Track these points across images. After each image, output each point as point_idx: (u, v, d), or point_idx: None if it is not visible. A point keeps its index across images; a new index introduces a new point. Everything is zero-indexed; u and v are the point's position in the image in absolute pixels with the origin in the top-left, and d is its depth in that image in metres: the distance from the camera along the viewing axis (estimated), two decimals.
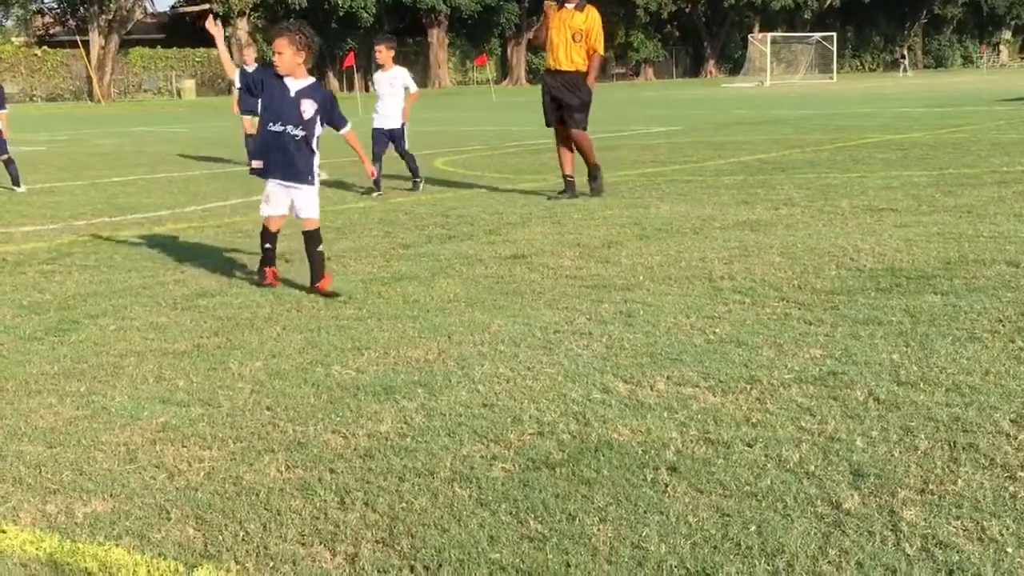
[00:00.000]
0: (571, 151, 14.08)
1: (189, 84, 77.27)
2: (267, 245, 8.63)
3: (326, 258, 8.60)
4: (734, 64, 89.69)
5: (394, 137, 15.42)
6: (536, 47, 15.75)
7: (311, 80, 8.41)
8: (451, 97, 56.98)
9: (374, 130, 15.38)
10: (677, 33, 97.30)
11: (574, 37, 13.51)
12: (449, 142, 24.45)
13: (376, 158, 14.82)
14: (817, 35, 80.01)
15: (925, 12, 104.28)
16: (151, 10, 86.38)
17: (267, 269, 8.65)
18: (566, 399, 5.49)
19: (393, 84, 15.39)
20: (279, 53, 8.15)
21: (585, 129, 13.94)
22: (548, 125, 14.45)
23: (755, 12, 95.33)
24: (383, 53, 15.39)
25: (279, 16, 75.05)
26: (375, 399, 5.61)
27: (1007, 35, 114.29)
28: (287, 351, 6.64)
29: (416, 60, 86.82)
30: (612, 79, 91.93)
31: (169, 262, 9.86)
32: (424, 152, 21.71)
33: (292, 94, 8.22)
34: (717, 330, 6.74)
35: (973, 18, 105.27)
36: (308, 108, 8.23)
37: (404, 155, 15.54)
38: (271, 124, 8.26)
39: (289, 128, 8.19)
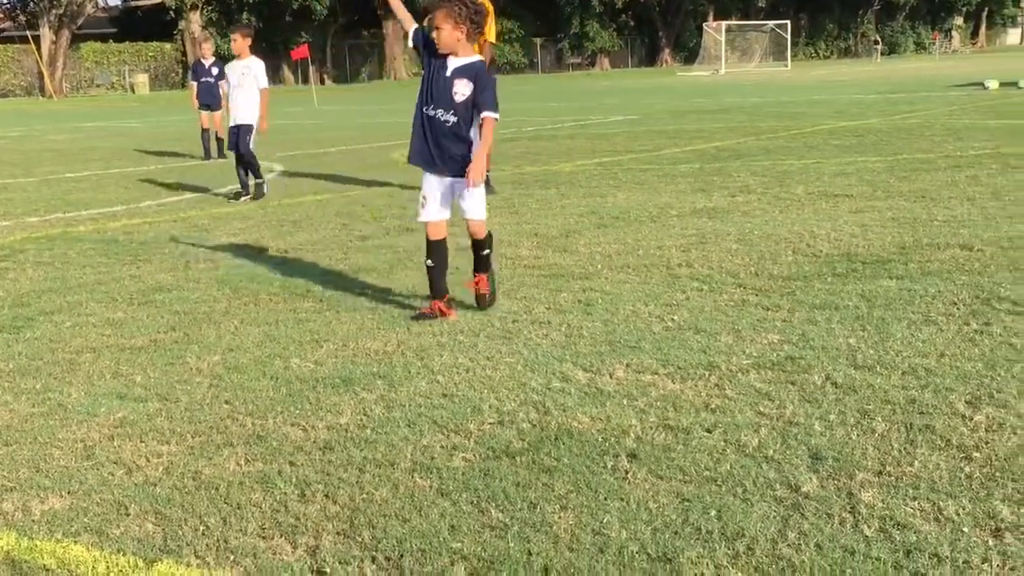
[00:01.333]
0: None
1: (142, 79, 76.62)
2: (430, 262, 7.24)
3: (489, 263, 7.41)
4: (689, 53, 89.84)
5: (239, 134, 14.07)
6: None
7: (473, 58, 7.22)
8: (407, 89, 56.67)
9: (230, 128, 14.38)
10: (632, 23, 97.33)
11: None
12: (406, 134, 24.38)
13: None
14: (771, 23, 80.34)
15: None
16: (102, 4, 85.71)
17: (433, 302, 7.18)
18: (526, 388, 5.50)
19: (245, 75, 14.08)
20: (437, 28, 7.09)
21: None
22: None
23: (709, 1, 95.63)
24: (238, 42, 14.11)
25: (232, 9, 74.63)
26: (334, 391, 5.60)
27: (959, 21, 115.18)
28: (245, 345, 6.61)
29: (372, 53, 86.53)
30: (568, 69, 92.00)
31: (124, 258, 9.79)
32: (381, 144, 21.70)
33: (448, 73, 7.13)
34: (675, 317, 6.76)
35: (925, 4, 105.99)
36: (462, 90, 7.08)
37: (243, 154, 14.01)
38: (424, 106, 7.21)
39: (440, 113, 7.11)
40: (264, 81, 14.16)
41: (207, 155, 20.07)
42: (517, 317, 6.97)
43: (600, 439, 4.75)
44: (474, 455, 4.64)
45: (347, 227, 11.16)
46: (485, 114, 7.03)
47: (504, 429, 4.94)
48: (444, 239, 7.25)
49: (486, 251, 7.35)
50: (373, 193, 14.05)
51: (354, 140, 23.64)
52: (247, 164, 14.02)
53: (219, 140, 19.65)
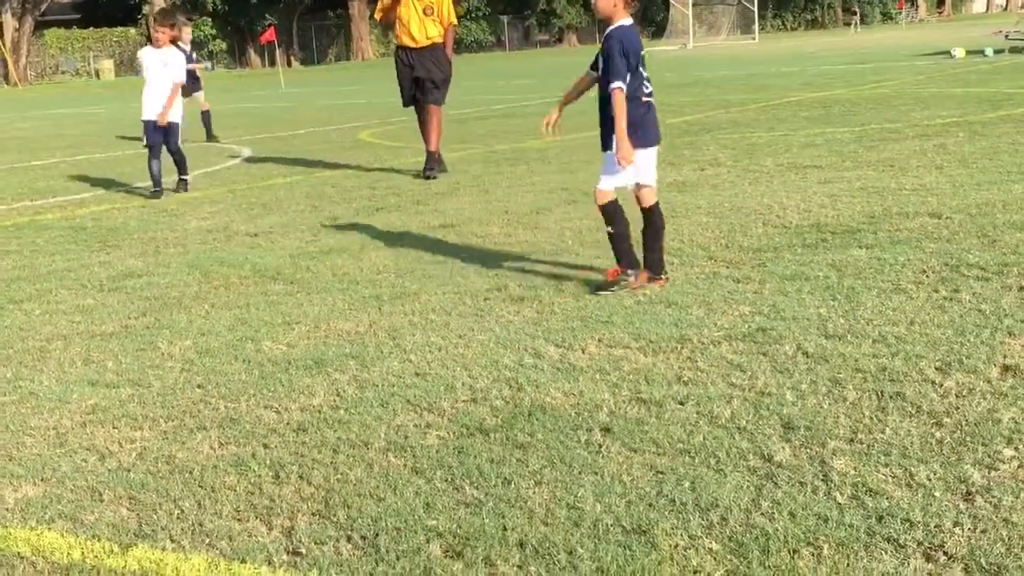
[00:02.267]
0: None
1: (108, 64, 76.02)
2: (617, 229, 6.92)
3: (620, 243, 6.96)
4: (657, 27, 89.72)
5: (168, 132, 12.92)
6: (385, 26, 14.08)
7: (620, 22, 6.76)
8: (375, 69, 56.52)
9: (143, 122, 13.01)
10: None
11: (425, 11, 13.12)
12: (374, 114, 24.31)
13: (153, 154, 12.92)
14: None
15: None
16: None
17: (641, 271, 6.87)
18: (498, 365, 5.50)
19: (167, 66, 12.82)
20: None
21: (441, 105, 13.60)
22: (406, 105, 13.83)
23: None
24: (164, 34, 12.84)
25: None
26: (307, 373, 5.60)
27: None
28: (217, 328, 6.59)
29: (338, 34, 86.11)
30: (536, 46, 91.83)
31: (93, 244, 9.74)
32: (349, 125, 21.64)
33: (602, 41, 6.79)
34: (647, 291, 6.77)
35: None
36: (600, 59, 6.80)
37: (174, 152, 13.05)
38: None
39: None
40: (181, 75, 13.06)
41: (209, 136, 20.19)
42: (489, 295, 6.97)
43: (573, 414, 4.76)
44: (448, 433, 4.64)
45: (316, 208, 11.13)
46: (611, 87, 6.65)
47: (477, 406, 4.94)
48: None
49: (608, 229, 6.97)
50: (341, 174, 14.00)
51: (322, 122, 23.56)
52: (178, 161, 13.13)
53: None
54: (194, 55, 20.78)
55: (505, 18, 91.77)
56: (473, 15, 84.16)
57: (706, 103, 21.73)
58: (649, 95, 6.87)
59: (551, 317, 6.36)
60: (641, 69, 6.79)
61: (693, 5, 74.93)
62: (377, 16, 13.75)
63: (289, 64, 76.57)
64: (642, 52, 6.81)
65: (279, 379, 5.52)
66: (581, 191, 10.98)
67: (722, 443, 4.31)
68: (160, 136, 12.88)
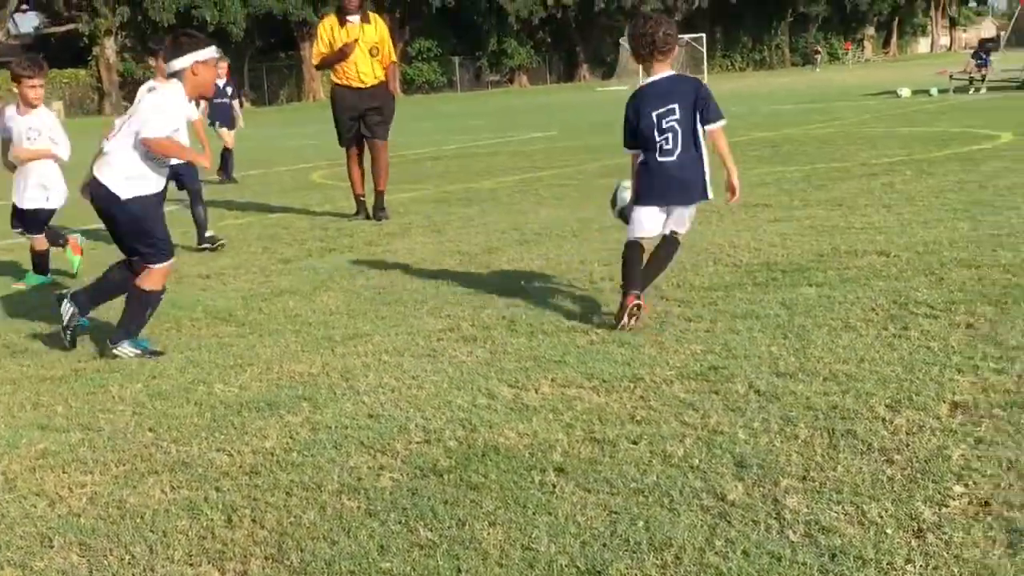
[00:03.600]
0: (362, 170, 13.46)
1: (57, 106, 75.52)
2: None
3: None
4: (607, 68, 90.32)
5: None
6: (323, 68, 13.61)
7: (644, 80, 7.13)
8: (327, 110, 56.50)
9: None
10: (549, 39, 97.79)
11: (371, 52, 12.96)
12: (325, 155, 24.28)
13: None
14: (687, 36, 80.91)
15: (791, 11, 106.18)
16: (14, 32, 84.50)
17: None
18: (452, 406, 5.50)
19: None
20: None
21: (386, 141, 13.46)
22: (344, 145, 13.48)
23: (625, 16, 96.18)
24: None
25: (147, 34, 73.88)
26: (259, 415, 5.57)
27: (870, 31, 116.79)
28: (168, 371, 6.55)
29: (290, 75, 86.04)
30: (487, 87, 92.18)
31: (44, 286, 9.66)
32: (301, 166, 21.62)
33: None
34: (599, 331, 6.80)
35: (837, 15, 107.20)
36: None
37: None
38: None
39: None
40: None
41: (228, 175, 19.72)
42: (442, 335, 6.97)
43: (527, 454, 4.76)
44: (401, 474, 4.63)
45: (268, 250, 11.10)
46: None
47: (431, 447, 4.94)
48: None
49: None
50: (294, 215, 13.98)
51: (274, 162, 23.53)
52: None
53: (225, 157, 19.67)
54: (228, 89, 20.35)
55: (456, 59, 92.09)
56: (424, 56, 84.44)
57: None
58: (665, 153, 6.96)
59: (504, 357, 6.37)
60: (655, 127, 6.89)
61: None
62: (315, 61, 13.49)
63: (241, 105, 76.44)
64: (665, 107, 6.87)
65: (231, 422, 5.49)
66: (532, 231, 11.02)
67: (675, 482, 4.33)
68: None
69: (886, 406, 5.07)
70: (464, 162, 20.40)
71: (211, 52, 6.93)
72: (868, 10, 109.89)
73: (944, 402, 5.07)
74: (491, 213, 12.79)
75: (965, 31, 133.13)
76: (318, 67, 13.61)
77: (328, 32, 13.04)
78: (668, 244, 7.19)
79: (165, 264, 7.12)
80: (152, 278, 7.07)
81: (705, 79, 72.53)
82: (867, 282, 7.60)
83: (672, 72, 6.99)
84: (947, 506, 3.97)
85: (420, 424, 5.26)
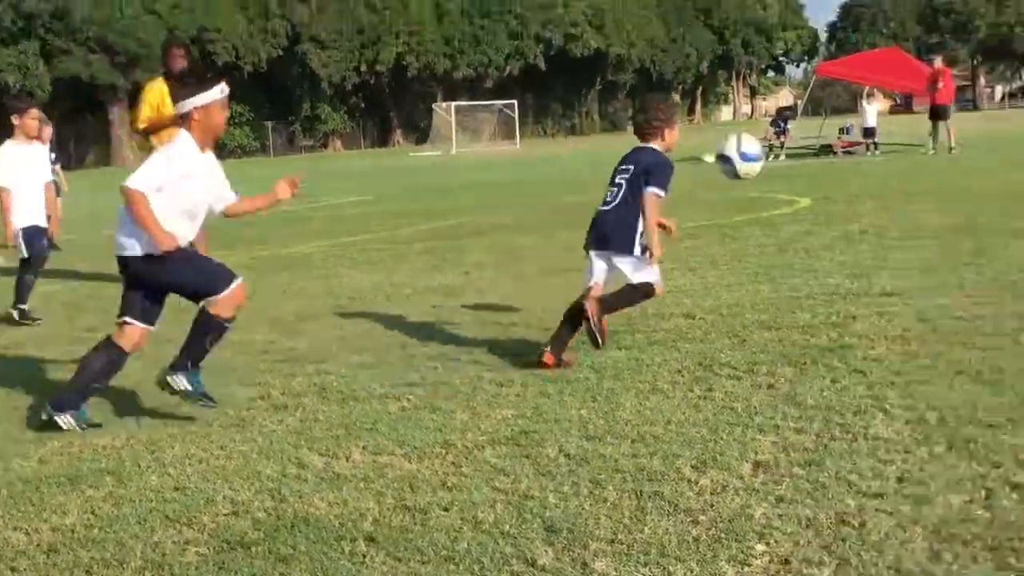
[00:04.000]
0: None
1: None
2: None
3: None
4: (421, 133, 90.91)
5: None
6: (149, 132, 13.32)
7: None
8: None
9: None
10: (363, 104, 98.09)
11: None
12: None
13: None
14: (499, 103, 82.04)
15: (599, 79, 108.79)
16: None
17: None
18: (260, 476, 5.41)
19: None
20: None
21: None
22: None
23: (438, 82, 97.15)
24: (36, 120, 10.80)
25: None
26: (60, 490, 5.39)
27: (676, 97, 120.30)
28: None
29: (98, 139, 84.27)
30: (300, 151, 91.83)
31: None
32: (109, 231, 21.08)
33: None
34: (411, 397, 6.78)
35: (644, 83, 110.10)
36: None
37: None
38: None
39: None
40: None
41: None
42: (251, 404, 6.87)
43: (337, 524, 4.71)
44: (208, 548, 4.53)
45: (73, 319, 10.80)
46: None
47: (239, 519, 4.84)
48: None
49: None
50: (101, 283, 13.63)
51: (81, 228, 22.93)
52: None
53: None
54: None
55: (269, 123, 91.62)
56: (236, 121, 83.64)
57: (471, 207, 22.04)
58: (605, 203, 7.81)
59: (315, 425, 6.30)
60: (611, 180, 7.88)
61: (456, 112, 76.27)
62: (141, 126, 13.17)
63: (64, 168, 74.40)
64: (623, 166, 7.82)
65: (29, 498, 5.30)
66: (347, 296, 10.97)
67: (486, 548, 4.33)
68: None
69: (692, 467, 5.17)
70: (277, 227, 20.20)
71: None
72: (673, 79, 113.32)
73: (747, 461, 5.20)
74: (304, 279, 12.69)
75: (765, 99, 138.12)
76: (144, 132, 13.30)
77: (157, 96, 12.82)
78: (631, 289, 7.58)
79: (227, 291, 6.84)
80: (220, 306, 6.78)
81: (517, 145, 73.75)
82: (674, 344, 7.76)
83: (653, 146, 7.68)
84: (749, 565, 4.06)
85: (228, 496, 5.16)
